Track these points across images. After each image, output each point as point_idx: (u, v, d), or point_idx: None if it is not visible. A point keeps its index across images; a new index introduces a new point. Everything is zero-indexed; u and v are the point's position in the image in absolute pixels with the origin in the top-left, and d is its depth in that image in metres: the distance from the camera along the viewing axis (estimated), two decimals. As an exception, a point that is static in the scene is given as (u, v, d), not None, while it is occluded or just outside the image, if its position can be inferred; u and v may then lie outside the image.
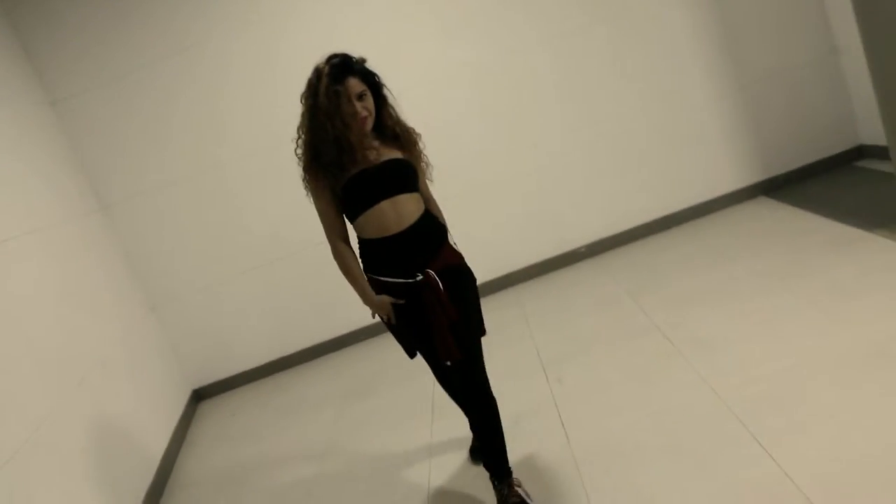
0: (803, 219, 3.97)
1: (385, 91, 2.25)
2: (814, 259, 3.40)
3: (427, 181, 2.39)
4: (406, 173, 2.27)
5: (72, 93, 4.15)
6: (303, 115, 2.19)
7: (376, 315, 2.32)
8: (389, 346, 2.89)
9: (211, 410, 4.37)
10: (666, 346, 3.07)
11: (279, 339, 4.61)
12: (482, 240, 4.35)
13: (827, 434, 2.14)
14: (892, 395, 2.22)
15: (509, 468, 2.32)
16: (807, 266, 3.35)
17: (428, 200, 2.38)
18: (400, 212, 2.23)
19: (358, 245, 2.33)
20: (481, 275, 2.60)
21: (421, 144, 2.32)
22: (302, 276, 4.49)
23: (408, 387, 3.60)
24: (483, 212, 4.50)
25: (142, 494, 3.22)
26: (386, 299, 2.27)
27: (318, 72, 2.15)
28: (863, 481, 1.90)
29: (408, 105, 2.38)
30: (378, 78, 2.23)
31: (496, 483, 2.31)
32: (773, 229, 4.01)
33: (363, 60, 2.21)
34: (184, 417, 4.20)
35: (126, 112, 4.22)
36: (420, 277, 2.22)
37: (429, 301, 2.21)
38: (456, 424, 2.84)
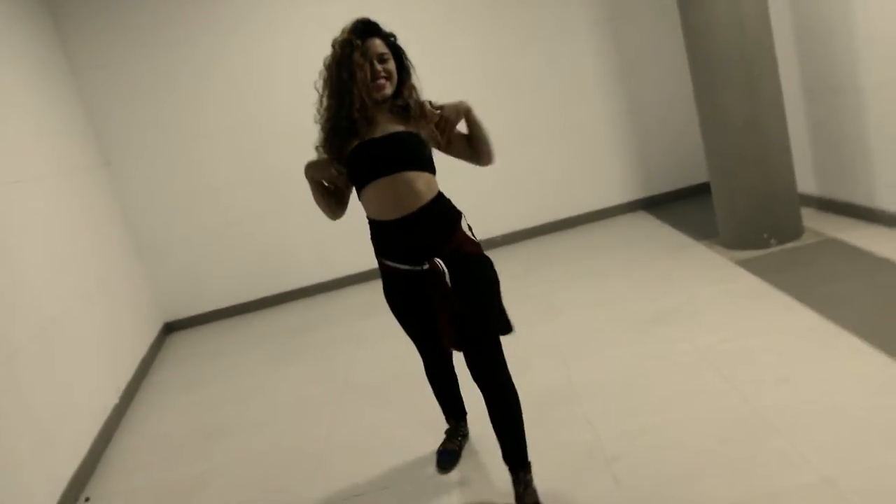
0: (661, 229, 5.10)
1: (407, 62, 2.20)
2: (653, 256, 4.54)
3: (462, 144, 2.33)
4: (412, 148, 2.15)
5: (92, 63, 5.10)
6: (324, 80, 2.14)
7: (324, 178, 2.26)
8: (333, 300, 3.84)
9: (179, 339, 5.35)
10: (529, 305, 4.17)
11: (243, 287, 5.59)
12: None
13: (600, 362, 3.24)
14: (661, 354, 3.31)
15: (526, 461, 2.28)
16: (645, 261, 4.50)
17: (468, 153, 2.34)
18: (401, 192, 2.12)
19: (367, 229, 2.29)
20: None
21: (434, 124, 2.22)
22: (268, 235, 5.49)
23: (338, 330, 4.64)
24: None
25: (122, 387, 4.21)
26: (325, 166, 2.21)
27: (342, 33, 2.11)
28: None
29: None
30: (401, 46, 2.19)
31: (512, 475, 2.29)
32: (638, 236, 5.13)
33: (380, 27, 2.17)
34: (156, 342, 5.17)
35: (135, 85, 5.19)
36: (426, 266, 2.14)
37: (433, 291, 2.15)
38: (371, 355, 3.87)
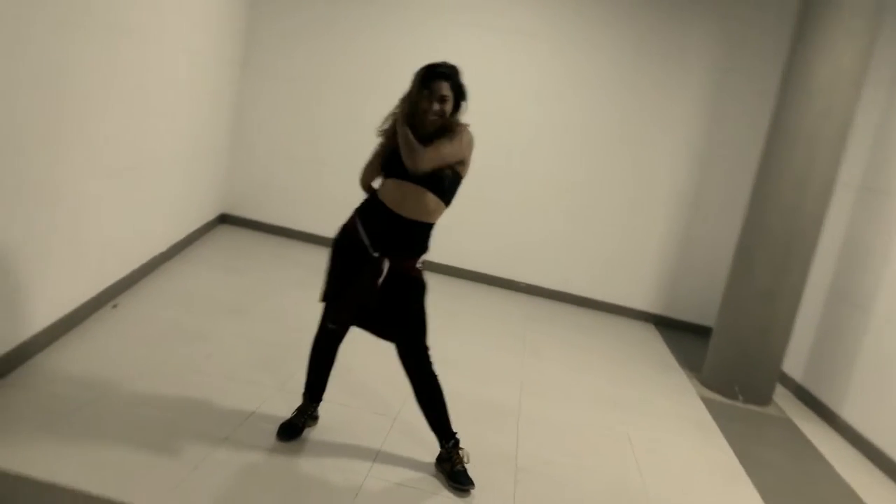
0: (657, 345, 5.61)
1: (463, 100, 2.71)
2: (637, 359, 5.06)
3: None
4: (434, 175, 2.63)
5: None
6: (405, 95, 2.68)
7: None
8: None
9: (227, 232, 6.01)
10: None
11: (299, 216, 6.23)
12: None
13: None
14: (600, 422, 3.84)
15: (450, 433, 2.85)
16: (629, 359, 5.02)
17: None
18: (409, 200, 2.65)
19: (370, 193, 2.82)
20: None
21: (462, 145, 2.68)
22: (338, 184, 6.14)
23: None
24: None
25: (171, 244, 4.88)
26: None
27: (417, 73, 2.67)
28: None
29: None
30: (462, 86, 2.69)
31: (440, 443, 2.86)
32: (636, 341, 5.64)
33: (454, 67, 2.69)
34: (209, 223, 5.84)
35: (300, 21, 5.93)
36: (376, 255, 2.68)
37: (365, 276, 2.67)
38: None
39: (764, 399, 4.70)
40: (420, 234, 2.72)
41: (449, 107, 2.65)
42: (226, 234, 5.97)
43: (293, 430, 2.90)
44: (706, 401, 4.54)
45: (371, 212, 2.73)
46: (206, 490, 2.41)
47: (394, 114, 2.72)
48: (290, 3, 5.96)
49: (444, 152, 2.62)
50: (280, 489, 2.53)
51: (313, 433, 2.97)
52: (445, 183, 2.66)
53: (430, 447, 2.94)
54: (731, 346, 4.73)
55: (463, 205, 5.87)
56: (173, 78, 4.44)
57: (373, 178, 2.83)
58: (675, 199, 6.04)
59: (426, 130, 2.63)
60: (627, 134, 5.97)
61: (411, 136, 2.57)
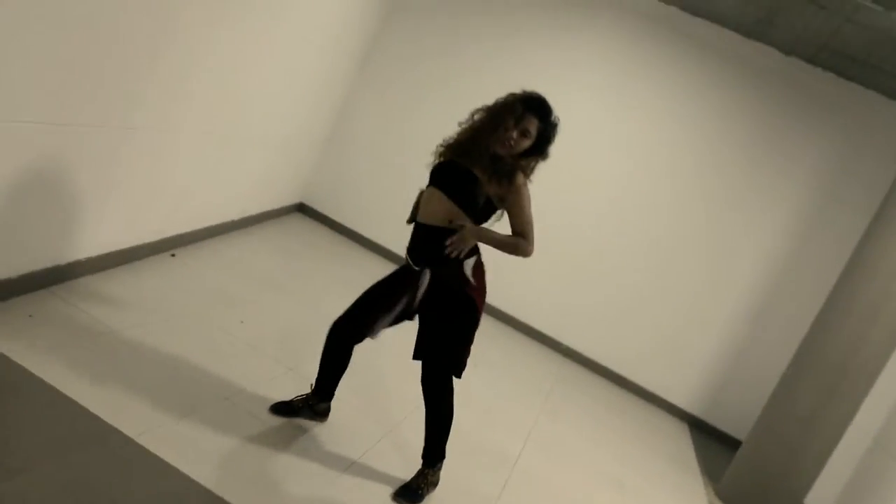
0: (684, 442, 5.43)
1: (547, 148, 2.60)
2: (659, 450, 4.91)
3: (524, 224, 2.60)
4: (465, 185, 2.54)
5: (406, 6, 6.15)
6: (484, 111, 2.59)
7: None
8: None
9: (300, 220, 6.24)
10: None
11: (370, 224, 6.41)
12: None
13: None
14: (593, 494, 3.76)
15: (434, 462, 2.82)
16: (650, 448, 4.89)
17: (520, 235, 2.61)
18: (433, 205, 2.59)
19: None
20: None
21: (523, 193, 2.57)
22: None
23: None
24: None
25: (250, 213, 5.13)
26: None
27: (513, 94, 2.58)
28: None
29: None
30: (552, 133, 2.57)
31: (422, 465, 2.83)
32: (664, 434, 5.48)
33: (557, 123, 2.59)
34: (286, 208, 6.10)
35: (426, 37, 6.17)
36: (417, 269, 2.64)
37: (405, 290, 2.66)
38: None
39: (778, 528, 4.48)
40: (448, 234, 2.57)
41: (523, 147, 2.54)
42: (299, 222, 6.20)
43: (286, 408, 2.96)
44: (714, 511, 4.37)
45: (413, 230, 2.71)
46: (179, 439, 2.51)
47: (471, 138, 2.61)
48: (422, 17, 6.18)
49: (487, 237, 2.58)
50: (239, 460, 2.58)
51: (310, 425, 3.02)
52: (475, 202, 2.55)
53: (412, 469, 2.94)
54: (756, 464, 4.54)
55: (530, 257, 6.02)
56: (290, 60, 4.70)
57: None
58: (741, 305, 5.88)
59: (484, 151, 2.52)
60: (711, 227, 5.87)
61: (495, 242, 2.57)
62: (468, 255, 2.60)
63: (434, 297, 2.62)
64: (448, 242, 2.53)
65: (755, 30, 5.42)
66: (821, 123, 5.59)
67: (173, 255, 4.04)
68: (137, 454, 2.31)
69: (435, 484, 2.87)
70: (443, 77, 6.18)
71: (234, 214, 4.93)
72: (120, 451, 2.29)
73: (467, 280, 2.60)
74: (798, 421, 4.38)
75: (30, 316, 2.77)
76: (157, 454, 2.34)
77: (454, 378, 2.71)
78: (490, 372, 4.84)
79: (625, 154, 5.96)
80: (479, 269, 2.65)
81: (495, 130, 2.50)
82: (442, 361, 2.67)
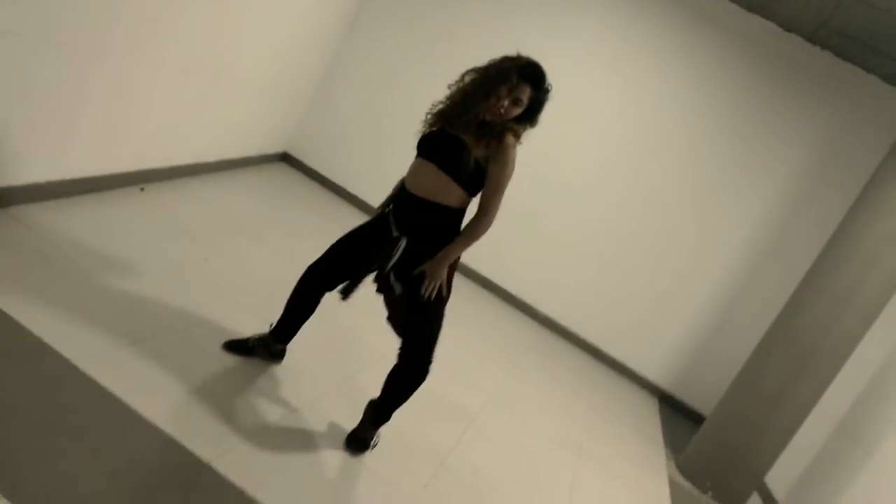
0: (650, 414, 5.43)
1: (537, 117, 2.53)
2: (623, 420, 4.90)
3: (495, 191, 2.50)
4: (457, 157, 2.44)
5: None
6: (475, 76, 2.48)
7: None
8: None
9: (283, 170, 6.16)
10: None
11: (354, 181, 6.33)
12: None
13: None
14: (551, 452, 3.75)
15: (378, 423, 2.79)
16: (615, 416, 4.88)
17: (480, 207, 2.53)
18: (421, 176, 2.52)
19: None
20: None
21: (510, 162, 2.47)
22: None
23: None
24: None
25: (232, 158, 5.04)
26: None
27: (511, 58, 2.47)
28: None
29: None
30: (543, 102, 2.51)
31: (362, 417, 2.81)
32: (630, 405, 5.47)
33: (549, 90, 2.52)
34: (269, 156, 6.01)
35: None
36: (395, 234, 2.57)
37: (381, 253, 2.59)
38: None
39: (735, 503, 4.48)
40: (440, 217, 2.52)
41: (513, 114, 2.46)
42: (282, 171, 6.11)
43: (241, 347, 2.92)
44: (673, 484, 4.36)
45: (398, 194, 2.65)
46: (120, 366, 2.46)
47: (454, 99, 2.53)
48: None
49: (503, 185, 2.51)
50: (179, 391, 2.55)
51: (262, 365, 2.98)
52: (464, 170, 2.45)
53: (355, 419, 2.88)
54: (717, 439, 4.53)
55: (513, 225, 5.96)
56: (279, 10, 4.59)
57: None
58: (721, 283, 5.84)
59: (473, 118, 2.44)
60: (694, 205, 5.81)
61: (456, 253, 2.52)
62: (448, 240, 2.54)
63: (410, 269, 2.56)
64: (423, 291, 2.51)
65: (757, 3, 5.30)
66: (815, 103, 5.50)
67: (142, 190, 3.96)
68: (72, 376, 2.27)
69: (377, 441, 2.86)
70: (434, 36, 6.05)
71: (211, 156, 4.84)
72: (54, 372, 2.25)
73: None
74: (764, 398, 4.36)
75: (-21, 234, 2.72)
76: (94, 377, 2.29)
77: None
78: (463, 332, 4.80)
79: (615, 127, 5.87)
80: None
81: (486, 98, 2.42)
82: (426, 342, 2.63)
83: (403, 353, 2.68)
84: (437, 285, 2.53)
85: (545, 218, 6.01)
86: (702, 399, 5.88)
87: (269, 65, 5.01)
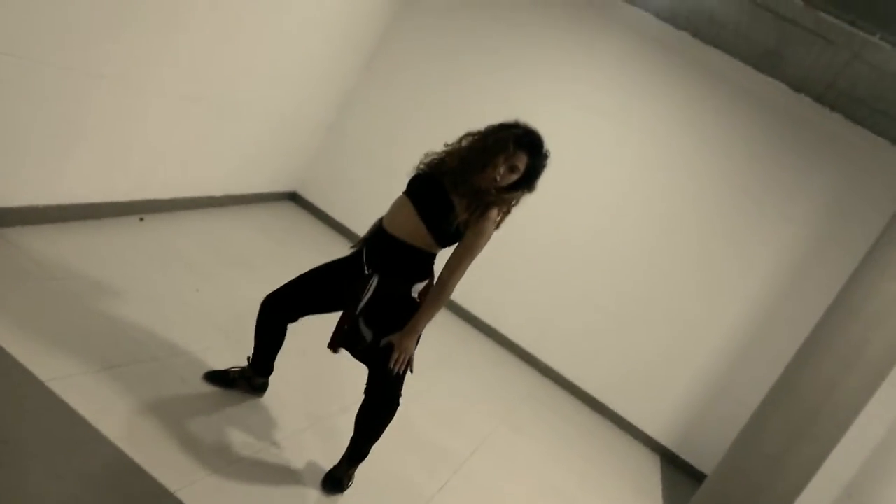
0: (649, 475, 5.27)
1: (534, 184, 2.56)
2: (621, 477, 4.76)
3: (462, 251, 2.53)
4: (440, 212, 2.47)
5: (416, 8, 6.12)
6: (474, 140, 2.53)
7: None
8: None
9: (291, 209, 6.18)
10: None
11: (361, 222, 6.34)
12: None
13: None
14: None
15: (355, 460, 2.73)
16: (612, 472, 4.73)
17: (447, 262, 2.54)
18: (400, 217, 2.52)
19: None
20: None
21: (487, 234, 2.52)
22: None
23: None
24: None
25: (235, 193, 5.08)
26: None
27: (508, 126, 2.52)
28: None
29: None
30: (537, 178, 2.54)
31: (345, 459, 2.75)
32: (629, 463, 5.32)
33: (547, 156, 2.55)
34: (278, 195, 6.05)
35: (430, 51, 6.13)
36: (367, 272, 2.56)
37: (352, 290, 2.56)
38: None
39: (735, 569, 4.31)
40: (411, 257, 2.54)
41: (509, 181, 2.47)
42: (289, 210, 6.14)
43: (221, 378, 2.89)
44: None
45: (373, 231, 2.65)
46: (93, 390, 2.43)
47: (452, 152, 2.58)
48: (431, 19, 6.13)
49: (474, 254, 2.53)
50: (153, 419, 2.50)
51: (242, 397, 2.93)
52: (444, 226, 2.49)
53: (333, 458, 2.82)
54: (718, 499, 4.38)
55: (514, 271, 5.93)
56: (293, 43, 4.69)
57: None
58: (726, 340, 5.72)
59: (467, 186, 2.46)
60: (702, 258, 5.74)
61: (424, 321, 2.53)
62: (419, 279, 2.57)
63: (380, 306, 2.56)
64: (392, 365, 2.50)
65: (765, 62, 5.33)
66: (823, 163, 5.46)
67: (141, 220, 3.98)
68: (41, 395, 2.23)
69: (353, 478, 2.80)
70: (447, 81, 6.12)
71: (217, 190, 4.88)
72: (22, 391, 2.21)
73: (413, 301, 2.58)
74: (765, 459, 4.22)
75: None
76: (63, 398, 2.26)
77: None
78: (458, 378, 4.73)
79: (622, 176, 5.86)
80: (426, 290, 2.61)
81: (483, 169, 2.45)
82: (394, 378, 2.57)
83: (370, 390, 2.64)
84: (407, 359, 2.52)
85: (547, 266, 5.96)
86: (705, 458, 5.69)
87: (281, 101, 5.08)
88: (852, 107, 5.17)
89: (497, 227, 2.56)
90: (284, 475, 2.63)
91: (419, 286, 2.58)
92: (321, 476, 2.74)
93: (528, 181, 2.52)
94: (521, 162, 2.45)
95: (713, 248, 5.72)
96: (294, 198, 6.42)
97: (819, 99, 5.36)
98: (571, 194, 5.85)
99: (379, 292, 2.54)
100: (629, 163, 5.84)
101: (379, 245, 2.57)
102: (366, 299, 2.54)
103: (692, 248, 5.76)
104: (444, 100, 6.11)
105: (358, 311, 2.57)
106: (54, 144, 3.09)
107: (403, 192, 2.59)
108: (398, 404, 2.63)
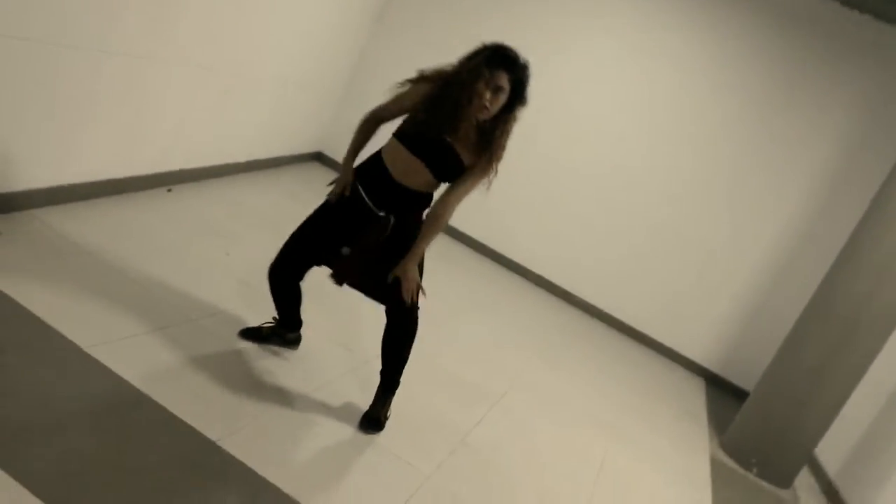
0: (695, 395, 5.29)
1: (523, 98, 2.51)
2: (663, 399, 4.80)
3: (461, 192, 2.58)
4: (444, 164, 2.53)
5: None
6: (453, 69, 2.52)
7: (329, 186, 2.76)
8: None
9: (313, 169, 6.25)
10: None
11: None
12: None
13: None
14: (577, 437, 3.70)
15: (391, 386, 2.80)
16: (653, 396, 4.78)
17: (443, 198, 2.59)
18: (410, 170, 2.54)
19: (376, 150, 2.67)
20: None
21: (492, 171, 2.55)
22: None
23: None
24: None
25: (259, 157, 5.16)
26: (349, 179, 2.64)
27: (476, 52, 2.50)
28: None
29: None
30: (525, 89, 2.50)
31: (378, 389, 2.82)
32: (670, 383, 5.35)
33: (526, 65, 2.49)
34: (303, 156, 6.11)
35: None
36: (382, 214, 2.61)
37: (369, 233, 2.62)
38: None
39: (783, 480, 4.33)
40: (423, 200, 2.66)
41: (500, 102, 2.46)
42: (315, 171, 6.20)
43: (255, 334, 2.99)
44: (715, 462, 4.25)
45: (374, 173, 2.62)
46: (140, 351, 2.55)
47: (438, 73, 2.57)
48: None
49: (468, 191, 2.59)
50: (191, 375, 2.61)
51: (276, 350, 3.03)
52: (450, 173, 2.57)
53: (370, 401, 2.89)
54: (760, 415, 4.39)
55: (543, 208, 5.91)
56: (302, 10, 4.73)
57: (383, 121, 2.69)
58: (761, 258, 5.66)
59: (465, 129, 2.47)
60: (733, 180, 5.64)
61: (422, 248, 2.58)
62: (426, 205, 2.67)
63: (396, 240, 2.64)
64: (405, 296, 2.59)
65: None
66: (852, 68, 5.28)
67: (169, 191, 4.08)
68: (81, 360, 2.35)
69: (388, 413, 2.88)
70: (461, 26, 6.02)
71: (240, 156, 4.95)
72: (64, 357, 2.34)
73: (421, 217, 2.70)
74: (806, 372, 4.20)
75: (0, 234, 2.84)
76: (110, 367, 2.37)
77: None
78: (492, 319, 4.80)
79: (647, 103, 5.74)
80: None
81: (470, 103, 2.43)
82: (406, 302, 2.65)
83: (390, 320, 2.73)
84: (416, 286, 2.61)
85: (578, 201, 5.92)
86: (749, 377, 5.68)
87: (295, 63, 5.10)
88: (882, 5, 4.94)
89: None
90: (325, 419, 2.73)
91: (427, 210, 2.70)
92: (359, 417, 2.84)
93: (517, 96, 2.49)
94: (503, 80, 2.43)
95: (743, 170, 5.62)
96: (320, 157, 6.47)
97: (846, 2, 5.15)
98: (595, 127, 5.75)
99: (396, 231, 2.63)
100: (652, 89, 5.72)
101: (391, 193, 2.60)
102: (385, 235, 2.62)
103: (723, 172, 5.67)
104: (460, 44, 5.98)
105: (375, 247, 2.64)
106: (74, 123, 3.17)
107: (400, 139, 2.57)
108: (417, 326, 2.71)
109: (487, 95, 2.42)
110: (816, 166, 5.45)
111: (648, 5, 5.62)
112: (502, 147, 2.54)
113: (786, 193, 5.54)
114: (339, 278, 2.75)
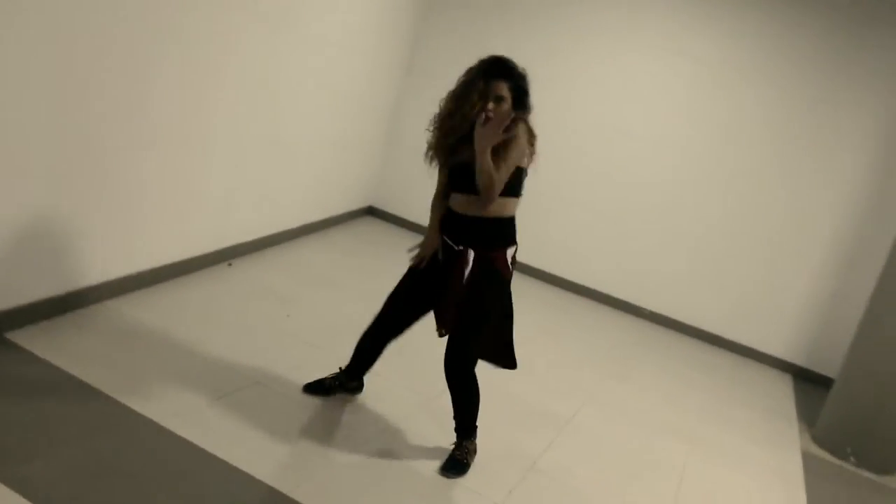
0: (783, 392, 5.12)
1: (527, 104, 2.61)
2: (749, 400, 4.68)
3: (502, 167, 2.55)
4: (468, 174, 2.58)
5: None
6: (450, 95, 2.68)
7: (413, 251, 2.89)
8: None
9: (367, 223, 6.44)
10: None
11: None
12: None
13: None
14: (657, 445, 3.66)
15: (466, 434, 2.86)
16: (741, 399, 4.66)
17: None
18: (459, 199, 2.68)
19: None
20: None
21: (519, 148, 2.58)
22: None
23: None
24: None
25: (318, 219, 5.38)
26: (435, 244, 2.78)
27: (471, 68, 2.64)
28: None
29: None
30: (527, 96, 2.61)
31: (458, 439, 2.88)
32: (759, 387, 5.19)
33: (524, 74, 2.61)
34: (355, 211, 6.32)
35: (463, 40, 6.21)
36: (460, 248, 2.66)
37: (452, 270, 2.66)
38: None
39: (886, 467, 4.13)
40: (496, 225, 2.67)
41: (506, 109, 2.54)
42: (369, 225, 6.40)
43: (319, 387, 3.11)
44: (808, 456, 4.10)
45: (446, 218, 2.76)
46: (213, 419, 2.71)
47: (446, 117, 2.68)
48: (460, 17, 6.20)
49: (510, 165, 2.55)
50: (269, 438, 2.74)
51: (346, 399, 3.15)
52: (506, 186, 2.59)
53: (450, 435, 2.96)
54: (849, 401, 4.23)
55: (596, 222, 5.91)
56: (325, 65, 4.91)
57: (446, 197, 2.79)
58: (826, 245, 5.49)
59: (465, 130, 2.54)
60: (785, 173, 5.54)
61: (493, 172, 2.50)
62: (511, 243, 2.71)
63: (476, 276, 2.66)
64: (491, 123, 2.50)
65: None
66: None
67: (230, 265, 4.31)
68: (163, 437, 2.52)
69: (475, 451, 2.91)
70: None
71: (293, 222, 5.18)
72: (145, 435, 2.51)
73: (506, 264, 2.71)
74: (888, 347, 4.03)
75: (78, 328, 3.08)
76: (184, 437, 2.53)
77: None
78: (560, 343, 4.81)
79: (685, 107, 5.70)
80: (514, 257, 2.75)
81: (469, 117, 2.53)
82: (469, 329, 2.70)
83: (448, 352, 2.75)
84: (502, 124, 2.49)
85: (631, 213, 5.90)
86: (835, 364, 5.47)
87: (335, 124, 5.35)
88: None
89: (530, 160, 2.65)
90: (396, 461, 2.81)
91: (511, 250, 2.72)
92: (435, 454, 2.91)
93: (520, 103, 2.58)
94: (502, 89, 2.53)
95: (791, 155, 5.51)
96: (372, 211, 6.67)
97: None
98: (642, 136, 5.75)
99: (477, 265, 2.65)
100: (692, 94, 5.69)
101: (459, 225, 2.69)
102: (467, 271, 2.64)
103: (773, 166, 5.58)
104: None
105: (462, 283, 2.64)
106: (128, 217, 3.42)
107: (454, 190, 2.71)
108: (467, 364, 2.74)
109: (490, 106, 2.51)
110: (869, 142, 5.29)
111: (682, 14, 5.64)
112: (514, 148, 2.55)
113: (839, 172, 5.39)
114: (442, 327, 2.78)
